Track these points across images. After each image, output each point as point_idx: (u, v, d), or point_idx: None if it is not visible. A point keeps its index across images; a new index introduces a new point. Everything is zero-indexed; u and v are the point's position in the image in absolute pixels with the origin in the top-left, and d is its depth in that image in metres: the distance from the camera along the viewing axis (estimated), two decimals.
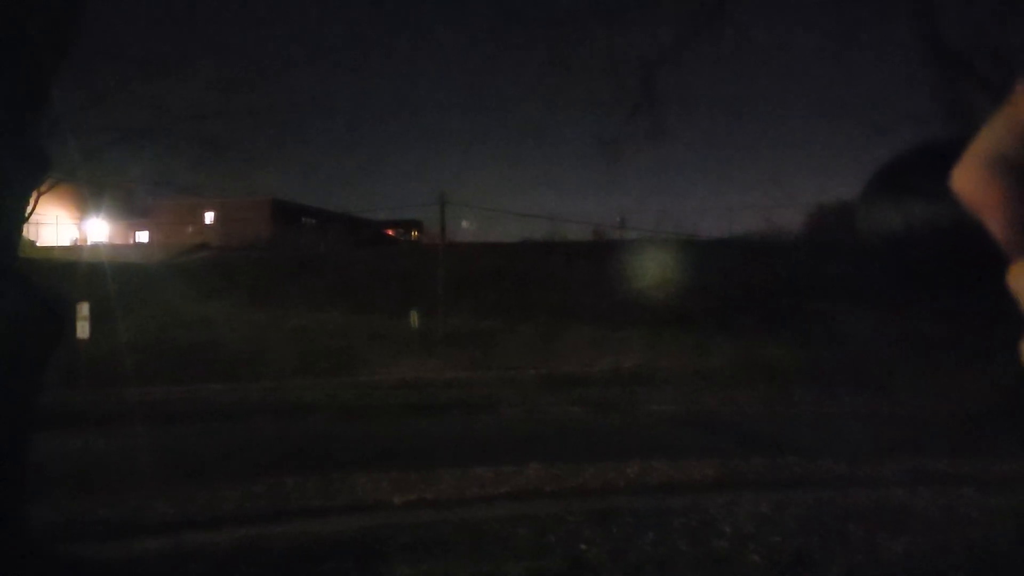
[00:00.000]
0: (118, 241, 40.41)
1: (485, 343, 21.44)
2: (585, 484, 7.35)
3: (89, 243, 36.63)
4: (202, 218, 43.59)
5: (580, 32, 9.75)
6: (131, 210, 40.50)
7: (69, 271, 17.89)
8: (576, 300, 24.07)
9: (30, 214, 5.75)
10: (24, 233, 5.40)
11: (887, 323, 17.40)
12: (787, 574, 4.80)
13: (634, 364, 18.61)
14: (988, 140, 0.30)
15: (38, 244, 34.61)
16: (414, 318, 21.66)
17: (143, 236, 43.78)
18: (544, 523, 5.85)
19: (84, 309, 15.25)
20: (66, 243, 37.49)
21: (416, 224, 48.89)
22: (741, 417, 12.71)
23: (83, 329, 15.27)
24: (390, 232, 49.31)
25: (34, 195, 6.18)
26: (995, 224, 0.28)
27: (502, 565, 5.04)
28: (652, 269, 25.22)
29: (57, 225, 37.44)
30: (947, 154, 0.35)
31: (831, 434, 10.57)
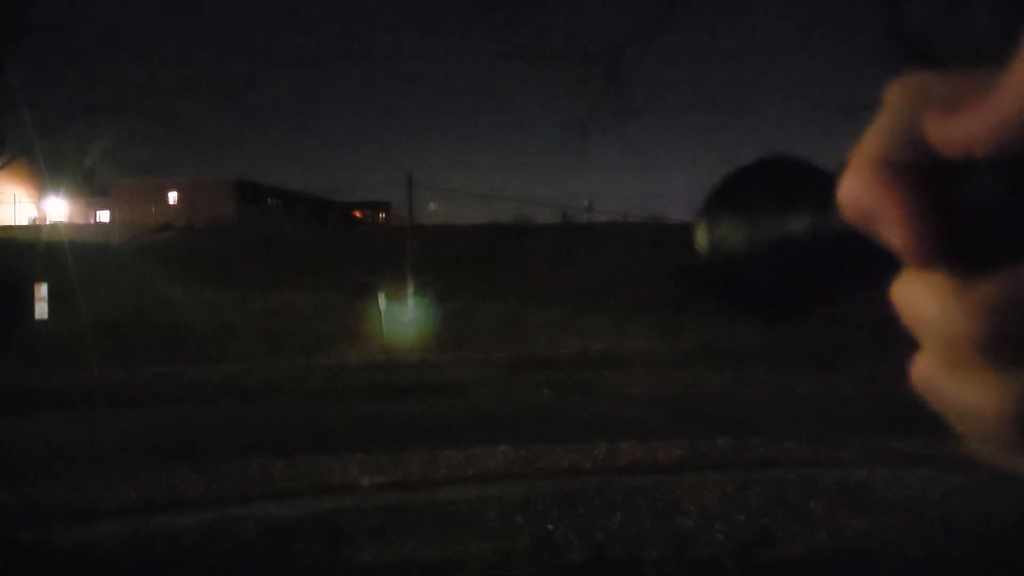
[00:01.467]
0: (78, 220, 39.62)
1: (454, 325, 21.43)
2: (553, 465, 7.40)
3: (48, 222, 35.86)
4: (165, 198, 42.88)
5: (547, 14, 9.70)
6: (91, 189, 39.69)
7: (27, 251, 17.49)
8: (544, 283, 24.14)
9: None
10: None
11: (850, 305, 17.68)
12: (751, 552, 4.88)
13: (602, 346, 18.72)
14: (876, 142, 0.27)
15: None
16: (382, 300, 21.56)
17: (104, 216, 42.96)
18: (512, 504, 5.88)
19: (43, 290, 14.95)
20: (24, 222, 36.66)
21: (383, 206, 48.61)
22: (707, 399, 12.86)
23: (42, 310, 14.97)
24: (357, 214, 48.96)
25: None
26: (892, 232, 0.26)
27: (470, 546, 5.06)
28: (620, 252, 25.34)
29: (15, 204, 36.58)
30: (790, 168, 0.33)
31: (795, 415, 10.74)
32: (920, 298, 0.27)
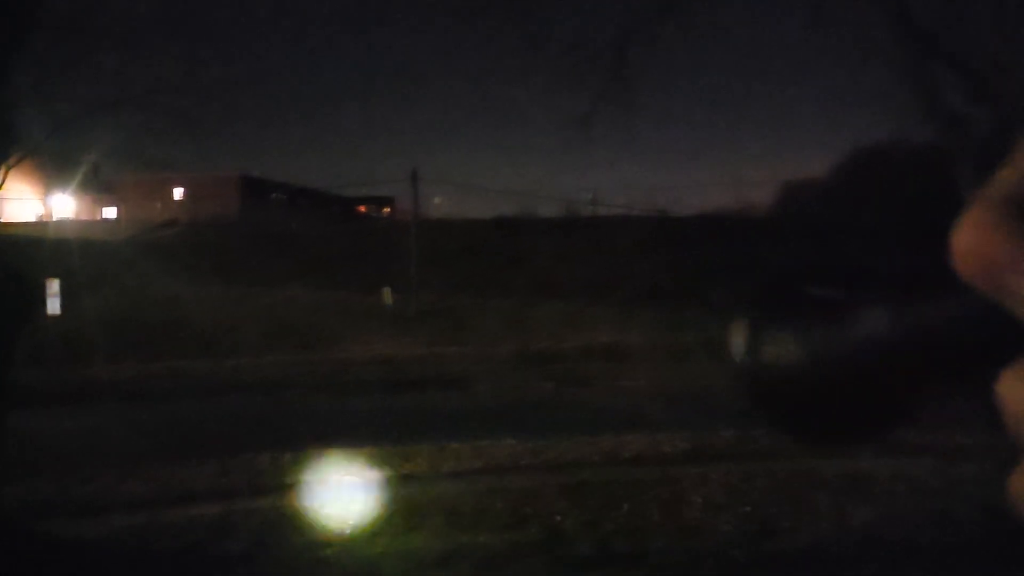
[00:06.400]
0: (84, 217, 39.72)
1: (458, 319, 21.47)
2: (560, 458, 7.45)
3: (55, 219, 35.96)
4: (170, 194, 42.94)
5: (552, 6, 9.71)
6: (98, 186, 39.78)
7: (35, 247, 17.60)
8: (549, 277, 24.16)
9: None
10: None
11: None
12: (756, 542, 4.93)
13: (607, 340, 18.75)
14: (1013, 181, 0.21)
15: (2, 220, 33.92)
16: (387, 295, 21.61)
17: (110, 212, 43.04)
18: (520, 496, 5.94)
19: (54, 285, 15.05)
20: (31, 219, 36.77)
21: (388, 200, 48.56)
22: (712, 391, 12.89)
23: (53, 306, 15.07)
24: (362, 208, 48.97)
25: (2, 170, 6.09)
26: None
27: (478, 537, 5.11)
28: (624, 246, 25.35)
29: (22, 201, 36.70)
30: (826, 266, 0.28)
31: None
32: None
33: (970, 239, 0.21)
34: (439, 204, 39.40)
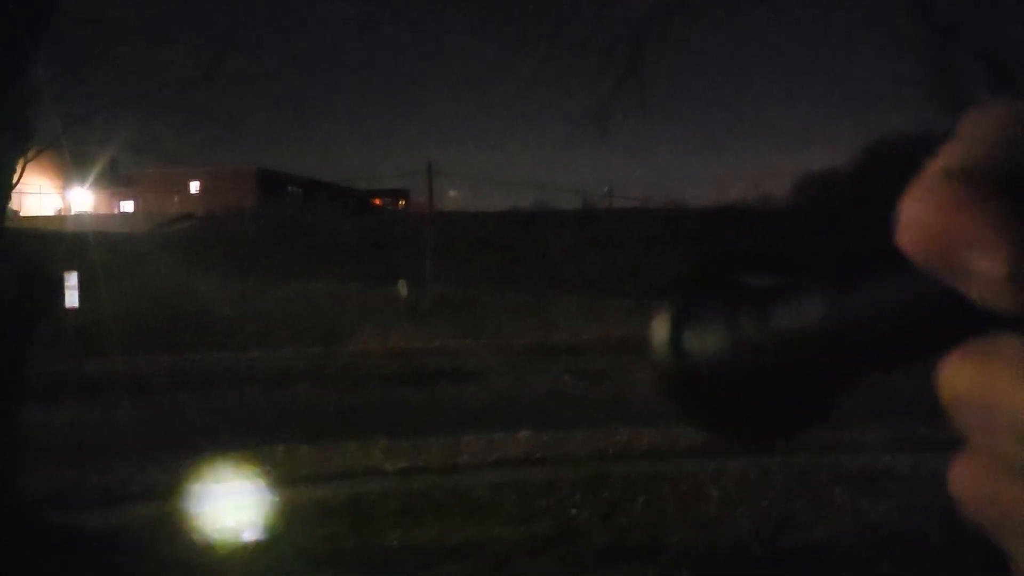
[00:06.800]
0: (102, 211, 40.04)
1: (473, 312, 21.48)
2: (575, 451, 7.43)
3: (73, 213, 36.27)
4: (187, 187, 43.19)
5: (567, 1, 9.65)
6: (115, 180, 40.08)
7: (54, 241, 17.75)
8: (565, 269, 24.12)
9: (16, 184, 5.70)
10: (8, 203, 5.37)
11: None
12: (774, 537, 4.90)
13: (623, 333, 18.69)
14: (963, 151, 0.20)
15: (21, 214, 34.24)
16: (402, 287, 21.64)
17: (127, 206, 43.36)
18: (534, 489, 5.92)
19: (72, 278, 15.17)
20: (49, 213, 37.10)
21: (403, 193, 48.62)
22: None
23: (71, 298, 15.20)
24: (377, 201, 49.05)
25: (20, 164, 6.13)
26: (984, 264, 0.18)
27: (493, 530, 5.11)
28: (640, 238, 25.26)
29: (40, 195, 37.02)
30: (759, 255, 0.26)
31: None
32: (994, 378, 0.19)
33: (918, 214, 0.20)
34: (454, 197, 39.43)
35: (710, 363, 0.25)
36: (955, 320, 0.20)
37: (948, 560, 4.44)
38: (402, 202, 49.01)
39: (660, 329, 0.27)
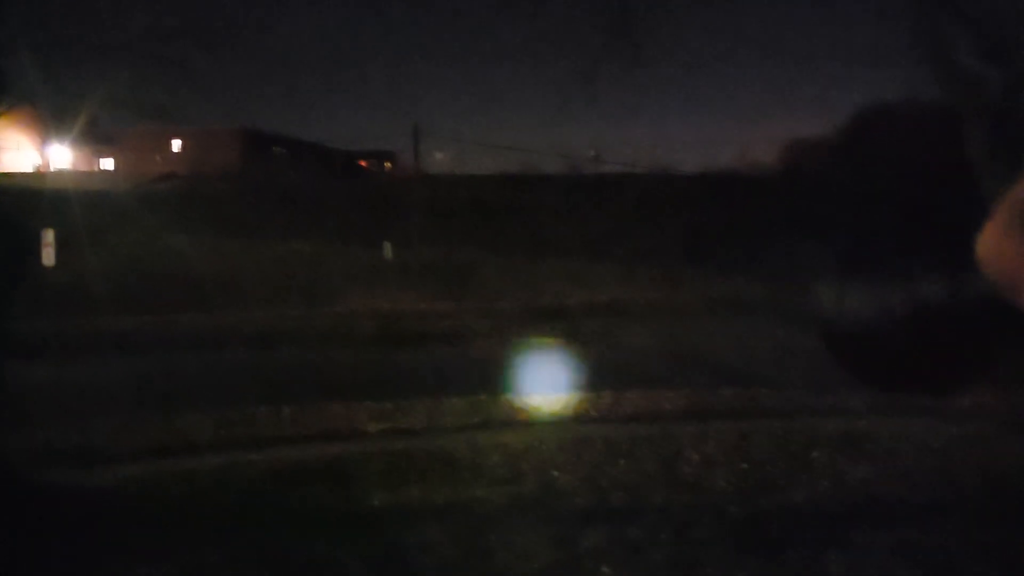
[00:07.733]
0: (82, 168, 39.46)
1: (460, 275, 21.43)
2: (558, 414, 7.47)
3: (52, 169, 35.72)
4: (170, 146, 42.61)
5: None
6: (96, 137, 39.44)
7: (31, 198, 17.47)
8: (551, 233, 24.05)
9: None
10: None
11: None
12: (753, 498, 4.94)
13: (609, 297, 18.73)
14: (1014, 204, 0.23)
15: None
16: (388, 249, 21.54)
17: (108, 163, 42.75)
18: (517, 451, 5.95)
19: (49, 236, 14.96)
20: (28, 169, 36.52)
21: (389, 155, 48.18)
22: (712, 350, 12.90)
23: (49, 256, 15.01)
24: (363, 163, 48.63)
25: None
26: None
27: (476, 491, 5.13)
28: (627, 202, 25.20)
29: (19, 151, 36.41)
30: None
31: (798, 367, 10.79)
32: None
33: (990, 245, 0.23)
34: (441, 159, 39.07)
35: (869, 329, 0.27)
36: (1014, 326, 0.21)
37: (925, 522, 4.50)
38: (388, 164, 48.59)
39: (826, 299, 0.27)
